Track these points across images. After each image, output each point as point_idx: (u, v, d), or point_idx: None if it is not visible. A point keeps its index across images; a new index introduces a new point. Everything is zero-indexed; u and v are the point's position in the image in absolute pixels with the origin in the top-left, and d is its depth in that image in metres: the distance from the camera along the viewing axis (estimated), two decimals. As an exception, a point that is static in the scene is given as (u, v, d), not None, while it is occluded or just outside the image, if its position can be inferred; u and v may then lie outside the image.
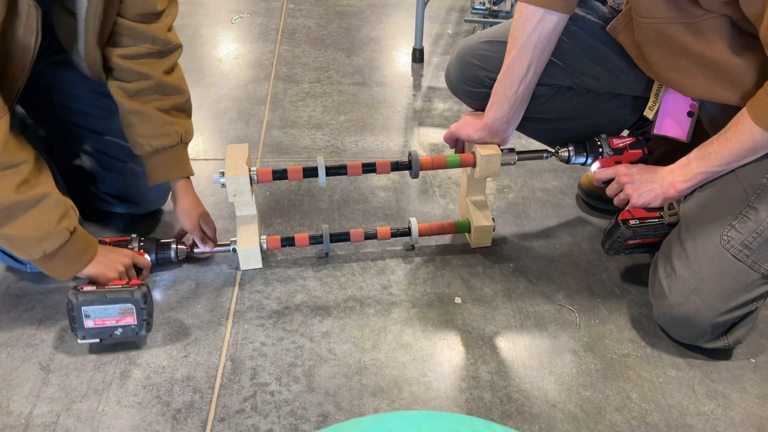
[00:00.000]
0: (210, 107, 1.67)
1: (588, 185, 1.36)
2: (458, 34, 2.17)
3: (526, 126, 1.18)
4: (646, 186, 1.06)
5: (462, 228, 1.22)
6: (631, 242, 1.06)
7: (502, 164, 1.14)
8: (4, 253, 1.05)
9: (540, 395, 0.95)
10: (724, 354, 1.03)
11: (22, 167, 0.90)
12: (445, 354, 1.01)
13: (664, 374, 0.99)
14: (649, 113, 1.12)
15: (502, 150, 1.13)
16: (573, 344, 1.04)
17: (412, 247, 1.23)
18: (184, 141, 1.12)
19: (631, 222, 1.05)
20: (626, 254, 1.12)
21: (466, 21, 2.02)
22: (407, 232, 1.20)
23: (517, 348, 1.03)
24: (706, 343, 1.00)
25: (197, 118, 1.63)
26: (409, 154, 1.14)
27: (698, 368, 1.00)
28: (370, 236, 1.18)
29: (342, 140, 1.56)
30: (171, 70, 1.10)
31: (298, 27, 2.16)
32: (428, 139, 1.59)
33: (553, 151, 1.19)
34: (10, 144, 0.88)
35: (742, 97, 0.95)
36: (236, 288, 1.12)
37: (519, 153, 1.17)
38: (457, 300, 1.11)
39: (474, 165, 1.14)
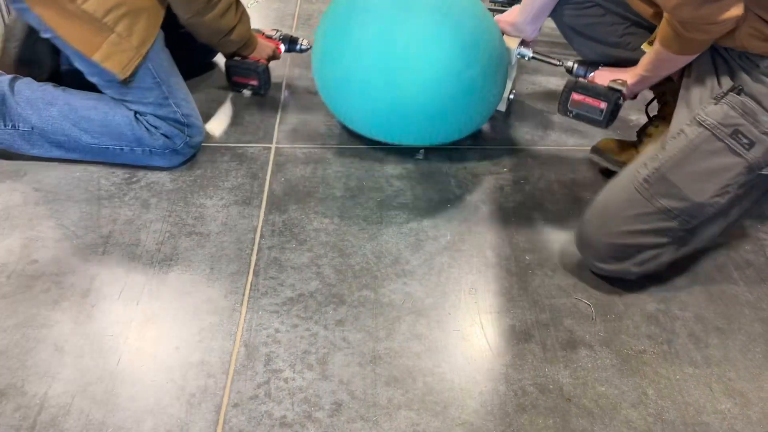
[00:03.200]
0: (224, 92, 1.67)
1: (604, 147, 1.42)
2: (476, 22, 2.14)
3: (575, 39, 1.34)
4: (608, 76, 1.29)
5: None
6: (575, 97, 1.28)
7: (516, 56, 1.43)
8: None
9: (555, 389, 0.95)
10: (742, 352, 1.02)
11: None
12: (460, 345, 1.01)
13: (681, 371, 0.98)
14: (647, 48, 1.18)
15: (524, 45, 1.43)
16: (589, 339, 1.03)
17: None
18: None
19: (580, 79, 1.31)
20: (572, 116, 1.32)
21: (485, 9, 2.00)
22: None
23: (532, 341, 1.02)
24: (606, 265, 1.09)
25: (212, 105, 1.62)
26: None
27: (716, 366, 0.99)
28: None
29: (357, 128, 1.55)
30: None
31: (314, 13, 2.14)
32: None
33: (560, 62, 1.41)
34: None
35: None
36: (251, 274, 1.12)
37: (535, 53, 1.43)
38: (472, 291, 1.11)
39: None
